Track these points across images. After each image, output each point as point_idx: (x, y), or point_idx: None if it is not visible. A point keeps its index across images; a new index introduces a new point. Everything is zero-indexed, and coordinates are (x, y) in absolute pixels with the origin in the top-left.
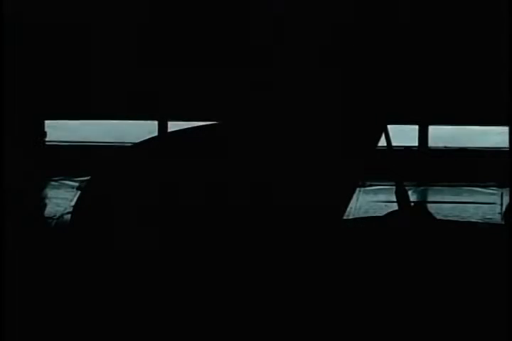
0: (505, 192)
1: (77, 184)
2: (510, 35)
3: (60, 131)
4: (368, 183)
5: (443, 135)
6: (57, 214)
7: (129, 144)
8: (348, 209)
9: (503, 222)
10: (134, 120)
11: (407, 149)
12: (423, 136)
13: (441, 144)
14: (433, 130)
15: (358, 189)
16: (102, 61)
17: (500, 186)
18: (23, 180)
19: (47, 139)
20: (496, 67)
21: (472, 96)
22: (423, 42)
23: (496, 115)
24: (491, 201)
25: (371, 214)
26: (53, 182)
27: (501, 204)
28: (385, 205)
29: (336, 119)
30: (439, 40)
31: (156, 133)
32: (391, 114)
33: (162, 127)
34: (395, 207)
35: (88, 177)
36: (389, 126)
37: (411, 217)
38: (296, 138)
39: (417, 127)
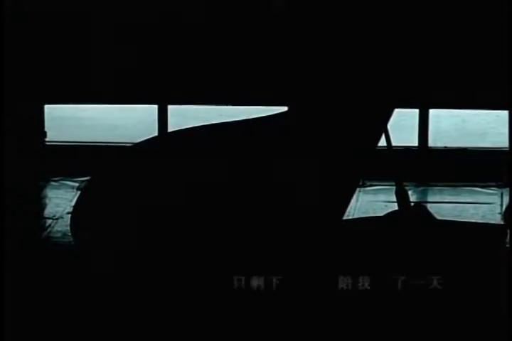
0: (505, 192)
1: (77, 184)
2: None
3: (59, 130)
4: (368, 183)
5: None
6: (57, 214)
7: (129, 144)
8: (348, 209)
9: (502, 222)
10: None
11: (407, 149)
12: (423, 135)
13: (441, 144)
14: (433, 129)
15: (358, 189)
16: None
17: (500, 186)
18: (23, 180)
19: (47, 139)
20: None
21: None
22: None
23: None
24: (491, 201)
25: (371, 214)
26: (53, 182)
27: (501, 205)
28: (385, 205)
29: (335, 119)
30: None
31: (155, 133)
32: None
33: (162, 124)
34: (395, 207)
35: (88, 177)
36: (389, 126)
37: (411, 217)
38: (296, 138)
39: (416, 127)
